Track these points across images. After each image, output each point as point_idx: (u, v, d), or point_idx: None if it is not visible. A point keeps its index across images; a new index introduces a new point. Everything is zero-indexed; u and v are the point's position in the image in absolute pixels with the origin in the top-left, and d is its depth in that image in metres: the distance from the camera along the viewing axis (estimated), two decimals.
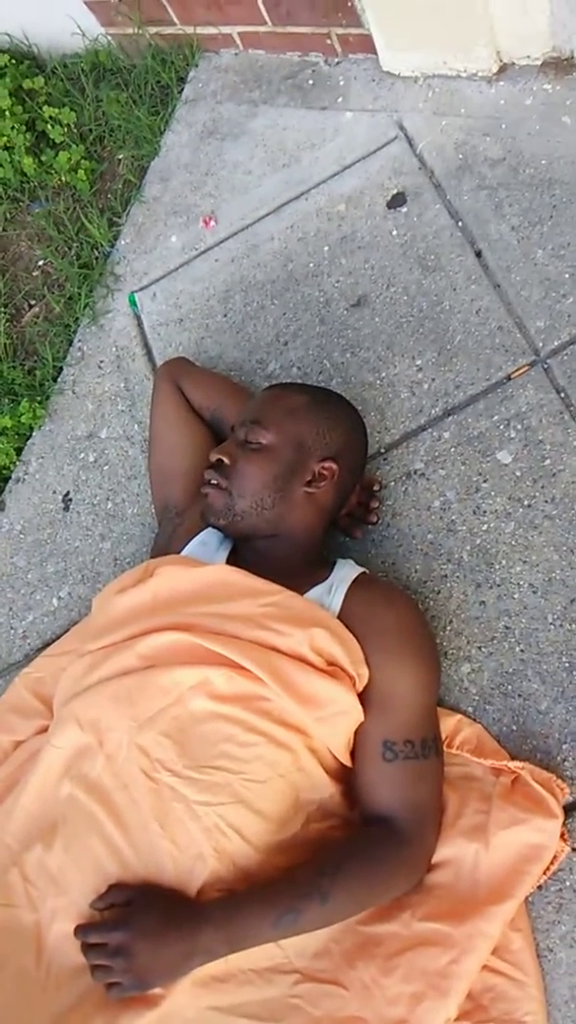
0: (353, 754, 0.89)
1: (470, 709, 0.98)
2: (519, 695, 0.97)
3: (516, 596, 1.02)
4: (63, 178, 1.59)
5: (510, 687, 0.98)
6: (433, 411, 1.17)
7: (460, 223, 1.28)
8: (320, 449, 0.99)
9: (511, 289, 1.20)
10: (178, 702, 0.85)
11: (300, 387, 1.06)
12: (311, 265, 1.34)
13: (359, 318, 1.27)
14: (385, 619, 0.91)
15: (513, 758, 0.93)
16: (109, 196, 1.57)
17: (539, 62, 1.34)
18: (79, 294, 1.45)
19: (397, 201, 1.34)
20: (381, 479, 1.14)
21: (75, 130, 1.63)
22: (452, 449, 1.13)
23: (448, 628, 1.03)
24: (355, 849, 0.85)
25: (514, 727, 0.96)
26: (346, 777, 0.91)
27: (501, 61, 1.35)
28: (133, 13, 1.59)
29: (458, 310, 1.22)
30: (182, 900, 0.79)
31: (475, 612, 1.03)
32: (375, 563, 1.09)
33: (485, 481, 1.10)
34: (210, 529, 1.03)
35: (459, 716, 0.98)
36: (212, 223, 1.45)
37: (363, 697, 0.88)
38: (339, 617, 0.91)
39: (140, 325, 1.42)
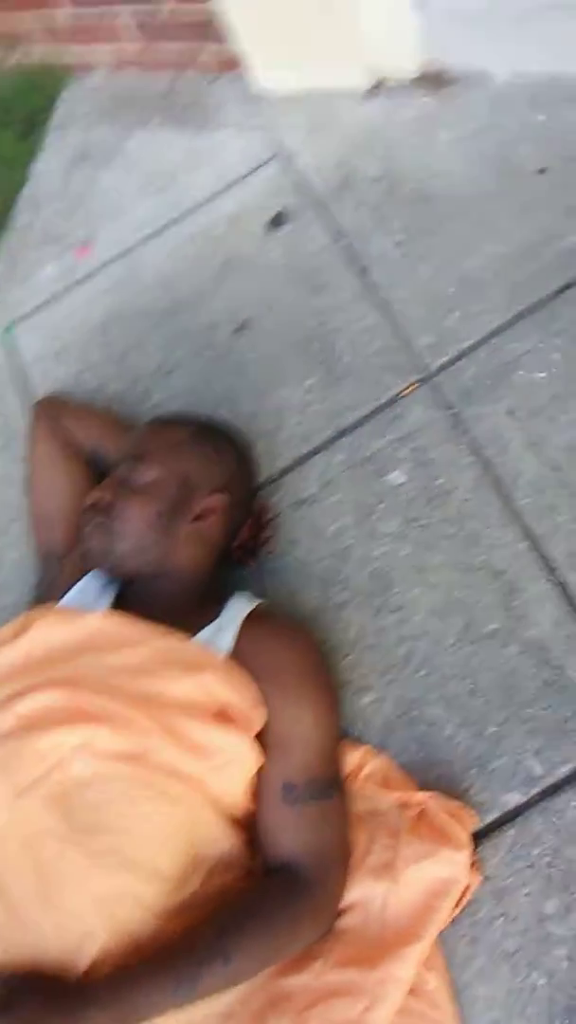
0: (254, 799, 0.90)
1: (374, 740, 1.01)
2: (423, 722, 1.00)
3: (416, 620, 1.05)
4: None
5: (414, 714, 1.01)
6: (324, 434, 1.20)
7: (343, 241, 1.33)
8: (206, 483, 1.01)
9: (397, 306, 1.26)
10: (60, 766, 0.84)
11: (183, 419, 1.08)
12: (193, 290, 1.37)
13: (244, 342, 1.30)
14: (279, 656, 0.93)
15: (420, 788, 0.95)
16: None
17: (412, 77, 1.42)
18: None
19: (278, 221, 1.39)
20: (273, 507, 1.16)
21: None
22: (344, 472, 1.17)
23: (348, 658, 1.05)
24: (257, 903, 0.85)
25: (420, 756, 0.99)
26: (248, 825, 0.91)
27: (375, 77, 1.43)
28: None
29: (345, 330, 1.26)
30: (65, 983, 0.78)
31: (375, 639, 1.06)
32: (272, 594, 1.11)
33: (380, 503, 1.13)
34: (93, 573, 1.03)
35: (364, 749, 1.00)
36: (88, 251, 1.47)
37: (261, 739, 0.89)
38: (231, 657, 0.92)
39: (14, 359, 1.42)
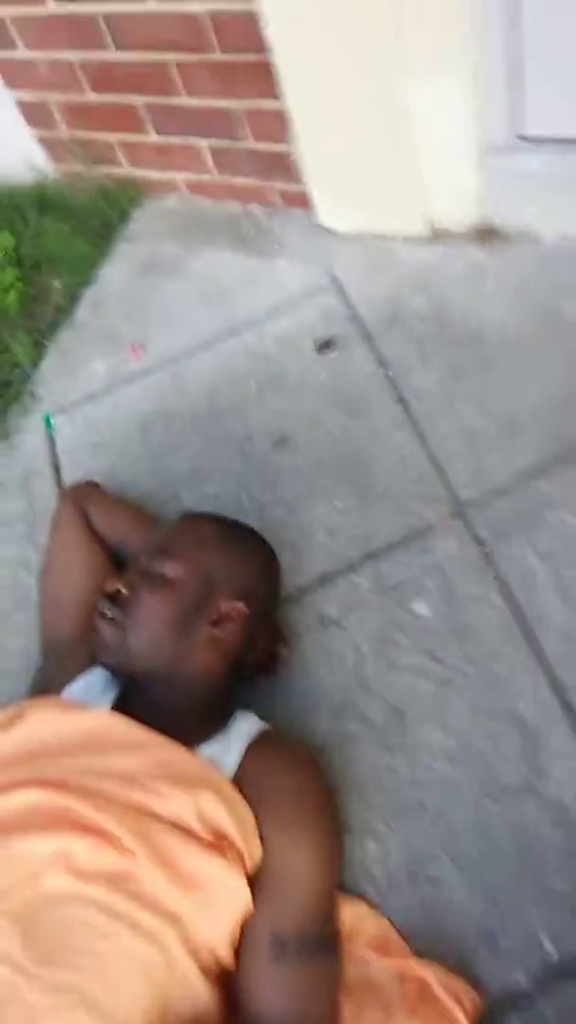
0: (236, 949, 0.82)
1: (374, 895, 0.93)
2: (430, 882, 0.92)
3: (430, 764, 0.99)
4: None
5: (420, 871, 0.93)
6: (350, 556, 1.19)
7: (387, 372, 1.37)
8: (229, 587, 0.98)
9: (435, 439, 1.27)
10: (31, 879, 0.78)
11: (214, 518, 1.07)
12: (236, 400, 1.41)
13: (281, 457, 1.32)
14: (283, 786, 0.87)
15: (421, 957, 0.87)
16: (39, 319, 1.64)
17: (467, 230, 1.50)
18: None
19: (326, 346, 1.44)
20: (292, 625, 1.13)
21: (12, 254, 1.73)
22: (368, 597, 1.14)
23: (354, 797, 0.99)
24: None
25: (423, 920, 0.90)
26: (226, 981, 0.82)
27: (433, 226, 1.51)
28: (83, 153, 1.75)
29: (381, 456, 1.27)
30: None
31: (385, 780, 0.99)
32: (280, 719, 1.06)
33: (401, 633, 1.10)
34: (99, 669, 0.99)
35: (362, 906, 0.92)
36: (139, 353, 1.52)
37: (251, 879, 0.81)
38: (233, 780, 0.86)
39: (52, 447, 1.44)
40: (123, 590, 0.96)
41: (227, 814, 0.81)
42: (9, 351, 1.57)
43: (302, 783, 0.89)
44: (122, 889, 0.77)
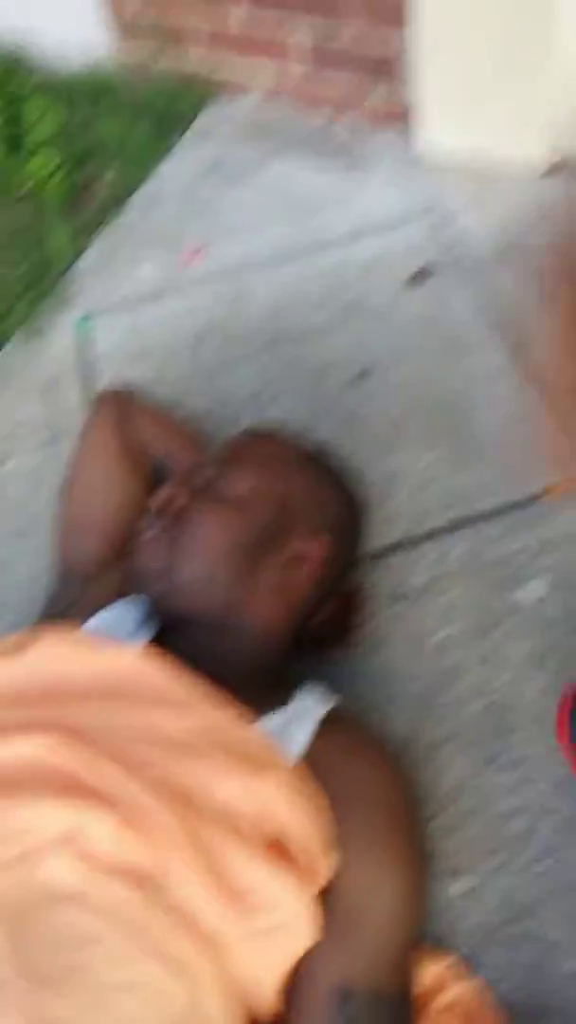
0: (286, 1002, 0.59)
1: (462, 950, 0.70)
2: (535, 940, 0.70)
3: (539, 788, 0.77)
4: (33, 184, 1.43)
5: (524, 926, 0.71)
6: (442, 519, 0.96)
7: (495, 311, 1.15)
8: (308, 522, 0.76)
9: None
10: (25, 860, 0.55)
11: (294, 439, 0.84)
12: (310, 325, 1.18)
13: (362, 393, 1.09)
14: (367, 786, 0.65)
15: None
16: (83, 214, 1.41)
17: None
18: (17, 307, 1.24)
19: (421, 277, 1.22)
20: (368, 591, 0.90)
21: (58, 140, 1.50)
22: (461, 571, 0.92)
23: (438, 821, 0.76)
24: None
25: (523, 991, 0.68)
26: None
27: (557, 155, 1.30)
28: (155, 38, 1.52)
29: (485, 406, 1.05)
30: None
31: (479, 803, 0.77)
32: (346, 706, 0.84)
33: (505, 619, 0.88)
34: (130, 602, 0.77)
35: (445, 962, 0.69)
36: (197, 260, 1.29)
37: (316, 907, 0.59)
38: (303, 766, 0.64)
39: (85, 352, 1.21)
40: (175, 505, 0.74)
41: (298, 812, 0.59)
42: (44, 245, 1.34)
43: (393, 786, 0.67)
44: (154, 897, 0.55)
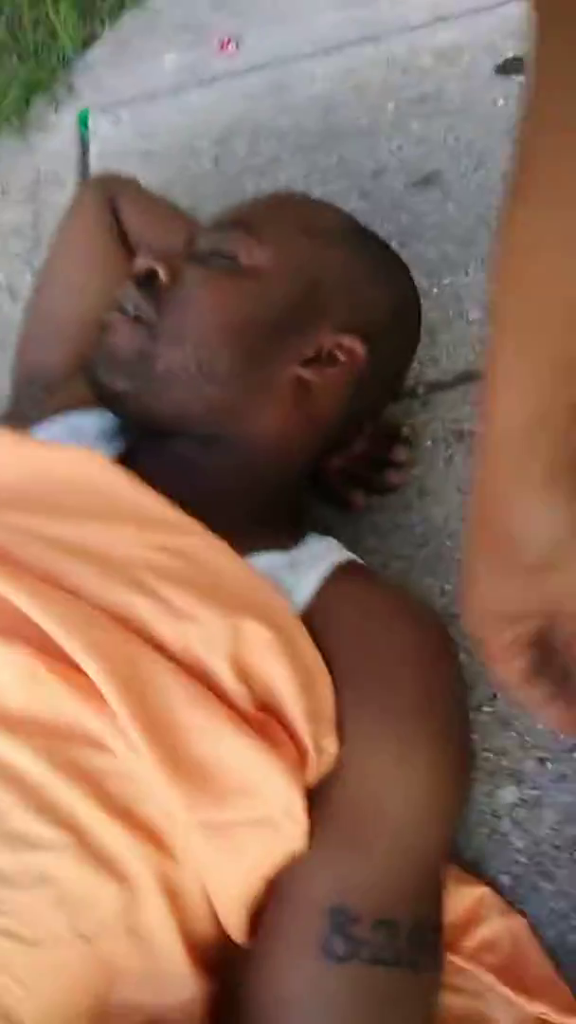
0: (256, 925, 0.43)
1: (507, 880, 0.53)
2: None
3: None
4: None
5: None
6: None
7: None
8: (344, 311, 0.57)
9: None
10: None
11: (333, 208, 0.63)
12: (364, 122, 0.96)
13: (424, 200, 0.88)
14: (390, 646, 0.47)
15: None
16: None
17: None
18: (10, 96, 1.04)
19: (512, 67, 0.97)
20: (410, 428, 0.71)
21: None
22: None
23: (489, 708, 0.58)
24: None
25: None
26: (224, 968, 0.44)
27: None
28: None
29: None
30: None
31: None
32: (373, 566, 0.66)
33: None
34: (97, 414, 0.60)
35: (482, 890, 0.53)
36: (230, 49, 1.07)
37: (311, 797, 0.42)
38: (304, 622, 0.46)
39: (84, 151, 1.01)
40: (161, 270, 0.55)
41: (288, 667, 0.42)
42: (46, 27, 1.12)
43: (425, 655, 0.48)
44: (73, 761, 0.40)
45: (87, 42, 1.13)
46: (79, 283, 0.71)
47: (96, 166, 0.98)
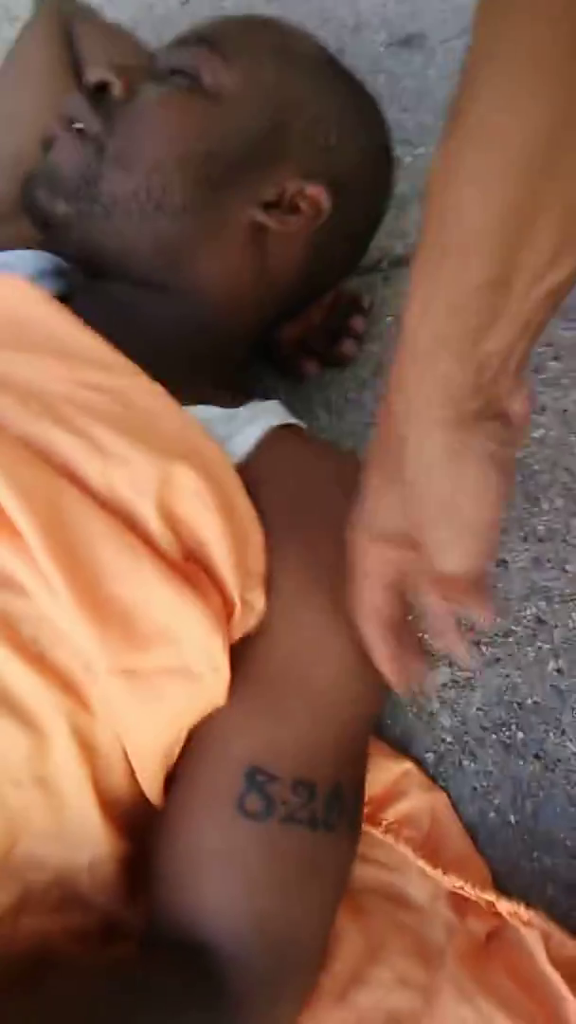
0: (170, 783, 0.42)
1: (432, 758, 0.53)
2: (536, 753, 0.52)
3: (570, 568, 0.57)
4: None
5: (522, 733, 0.53)
6: None
7: None
8: (309, 159, 0.52)
9: None
10: None
11: (311, 38, 0.58)
12: None
13: (403, 63, 0.82)
14: (323, 502, 0.45)
15: (504, 892, 0.48)
16: None
17: None
18: None
19: None
20: (371, 300, 0.67)
21: None
22: None
23: None
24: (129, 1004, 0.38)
25: (516, 815, 0.51)
26: (140, 827, 0.43)
27: None
28: None
29: None
30: None
31: (500, 572, 0.58)
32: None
33: (557, 359, 0.65)
34: (36, 253, 0.56)
35: (406, 766, 0.52)
36: None
37: (235, 652, 0.41)
38: (240, 473, 0.44)
39: None
40: (116, 82, 0.50)
41: (218, 516, 0.40)
42: None
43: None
44: None
45: None
46: (25, 114, 0.65)
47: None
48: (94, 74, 0.51)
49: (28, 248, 0.57)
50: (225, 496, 0.41)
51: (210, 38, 0.52)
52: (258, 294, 0.53)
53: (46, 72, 0.66)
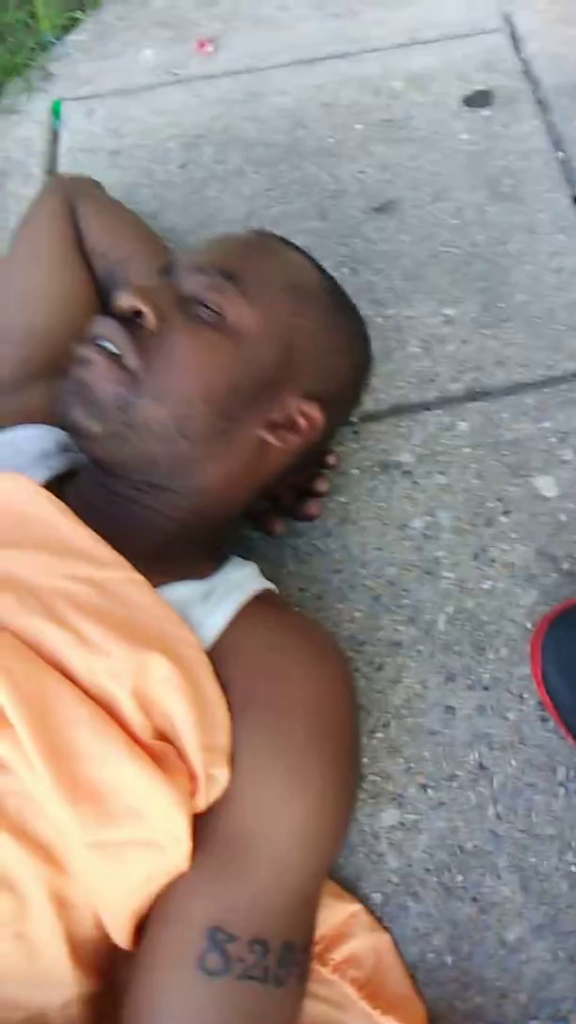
0: (139, 933, 0.47)
1: (378, 899, 0.57)
2: (473, 896, 0.57)
3: (509, 717, 0.63)
4: None
5: (462, 876, 0.58)
6: (452, 387, 0.80)
7: (559, 152, 0.94)
8: (311, 379, 0.58)
9: None
10: None
11: (316, 267, 0.64)
12: (330, 141, 0.98)
13: (380, 228, 0.90)
14: (291, 685, 0.51)
15: (436, 1021, 0.52)
16: None
17: None
18: None
19: (479, 101, 1.00)
20: (340, 456, 0.74)
21: None
22: (466, 449, 0.76)
23: (381, 734, 0.63)
24: None
25: (452, 956, 0.56)
26: (108, 977, 0.48)
27: None
28: None
29: (530, 260, 0.87)
30: None
31: (433, 720, 0.63)
32: (290, 589, 0.69)
33: (507, 510, 0.72)
34: (43, 430, 0.62)
35: (355, 907, 0.57)
36: (207, 49, 1.08)
37: (198, 822, 0.46)
38: (211, 654, 0.50)
39: (54, 142, 1.02)
40: (149, 314, 0.54)
41: (186, 701, 0.46)
42: (27, 9, 1.12)
43: (322, 690, 0.52)
44: None
45: (67, 27, 1.13)
46: (33, 290, 0.72)
47: (64, 161, 0.99)
48: (126, 300, 0.54)
49: (32, 422, 0.63)
50: (194, 681, 0.46)
51: (232, 271, 0.55)
52: (247, 492, 0.59)
53: (55, 252, 0.74)
